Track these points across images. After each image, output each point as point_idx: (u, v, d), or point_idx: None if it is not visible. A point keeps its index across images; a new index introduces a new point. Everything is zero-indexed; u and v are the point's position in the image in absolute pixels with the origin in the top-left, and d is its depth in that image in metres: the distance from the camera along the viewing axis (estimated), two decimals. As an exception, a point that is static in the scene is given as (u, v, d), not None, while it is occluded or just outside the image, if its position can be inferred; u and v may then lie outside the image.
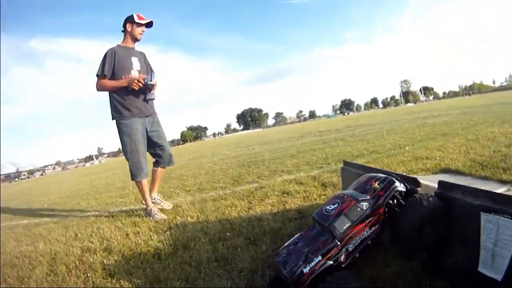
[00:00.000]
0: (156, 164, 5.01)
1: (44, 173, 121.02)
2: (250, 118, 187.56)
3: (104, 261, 3.12)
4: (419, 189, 2.02)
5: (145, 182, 4.74)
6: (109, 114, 4.67)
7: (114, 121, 4.58)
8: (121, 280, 2.59)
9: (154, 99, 4.70)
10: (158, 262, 2.86)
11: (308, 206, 3.70)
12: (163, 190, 6.72)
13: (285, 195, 4.47)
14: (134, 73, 4.53)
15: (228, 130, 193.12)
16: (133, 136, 4.51)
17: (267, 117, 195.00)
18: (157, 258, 2.97)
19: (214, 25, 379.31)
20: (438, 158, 5.19)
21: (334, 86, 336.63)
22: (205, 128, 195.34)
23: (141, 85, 4.34)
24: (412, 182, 2.08)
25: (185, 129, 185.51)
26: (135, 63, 4.61)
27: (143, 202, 4.82)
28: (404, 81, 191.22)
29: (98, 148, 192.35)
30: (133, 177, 4.66)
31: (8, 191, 24.73)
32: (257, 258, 2.52)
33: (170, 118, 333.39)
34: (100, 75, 4.35)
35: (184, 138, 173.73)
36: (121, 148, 4.72)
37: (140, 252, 3.17)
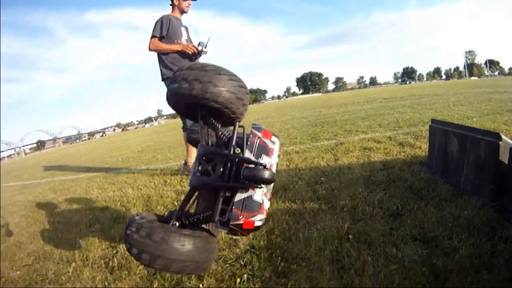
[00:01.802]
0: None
1: (104, 134, 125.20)
2: (310, 82, 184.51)
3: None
4: (500, 142, 2.44)
5: None
6: None
7: (163, 82, 5.03)
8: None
9: None
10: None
11: (391, 160, 4.16)
12: None
13: (366, 150, 4.93)
14: (183, 41, 4.98)
15: (287, 93, 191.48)
16: None
17: (327, 81, 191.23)
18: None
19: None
20: (504, 131, 5.26)
21: (395, 53, 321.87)
22: (265, 91, 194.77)
23: (196, 50, 4.78)
24: (495, 136, 2.49)
25: None
26: (184, 32, 5.06)
27: (188, 157, 5.32)
28: (469, 51, 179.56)
29: (158, 110, 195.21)
30: (187, 130, 4.91)
31: (73, 151, 26.51)
32: (355, 197, 3.03)
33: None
34: (156, 36, 4.77)
35: None
36: None
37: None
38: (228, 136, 1.61)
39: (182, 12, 5.12)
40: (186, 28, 5.21)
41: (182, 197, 3.97)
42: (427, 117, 7.98)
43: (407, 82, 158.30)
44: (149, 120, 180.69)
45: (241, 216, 1.42)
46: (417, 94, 20.79)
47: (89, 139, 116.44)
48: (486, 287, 1.61)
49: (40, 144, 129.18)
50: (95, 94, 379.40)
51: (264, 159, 1.47)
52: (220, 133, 1.63)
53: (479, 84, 30.21)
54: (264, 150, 1.50)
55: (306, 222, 2.67)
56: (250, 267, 2.14)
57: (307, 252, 2.18)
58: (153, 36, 4.80)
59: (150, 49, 4.89)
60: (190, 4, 5.10)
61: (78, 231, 3.55)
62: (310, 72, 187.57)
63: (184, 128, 5.09)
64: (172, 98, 1.60)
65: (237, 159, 1.48)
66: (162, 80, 5.02)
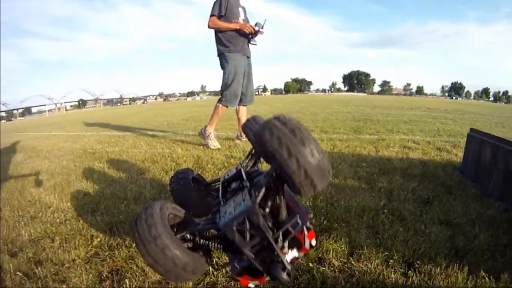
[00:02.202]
0: (239, 101, 5.69)
1: (145, 102, 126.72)
2: (356, 81, 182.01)
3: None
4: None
5: (224, 111, 5.63)
6: (214, 57, 5.56)
7: (218, 57, 5.51)
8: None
9: (256, 44, 5.53)
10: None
11: (428, 160, 4.55)
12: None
13: (406, 148, 5.33)
14: (240, 20, 5.37)
15: (333, 88, 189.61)
16: (238, 68, 5.37)
17: (374, 83, 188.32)
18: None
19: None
20: None
21: (446, 65, 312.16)
22: (310, 82, 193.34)
23: (252, 30, 5.22)
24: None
25: (290, 80, 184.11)
26: (241, 13, 5.45)
27: (209, 125, 5.68)
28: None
29: (202, 86, 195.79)
30: (227, 102, 5.46)
31: (115, 112, 27.23)
32: (392, 183, 3.45)
33: (277, 66, 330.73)
34: (216, 15, 5.19)
35: (287, 89, 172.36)
36: (223, 78, 5.45)
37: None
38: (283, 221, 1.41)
39: None
40: (244, 9, 5.58)
41: (232, 161, 4.44)
42: (467, 131, 8.22)
43: (454, 97, 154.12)
44: (191, 94, 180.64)
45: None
46: (461, 109, 20.60)
47: (130, 104, 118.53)
48: (499, 267, 1.95)
49: (82, 103, 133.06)
50: (141, 62, 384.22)
51: (293, 253, 1.40)
52: (280, 207, 1.42)
53: None
54: (299, 245, 1.41)
55: (347, 194, 3.10)
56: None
57: (347, 217, 2.59)
58: (212, 15, 5.24)
59: (209, 27, 5.32)
60: None
61: (129, 177, 3.85)
62: (358, 71, 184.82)
63: (220, 100, 5.56)
64: (256, 139, 1.30)
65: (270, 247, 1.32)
66: (218, 55, 5.50)
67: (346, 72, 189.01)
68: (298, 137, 1.14)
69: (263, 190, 1.35)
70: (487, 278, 1.82)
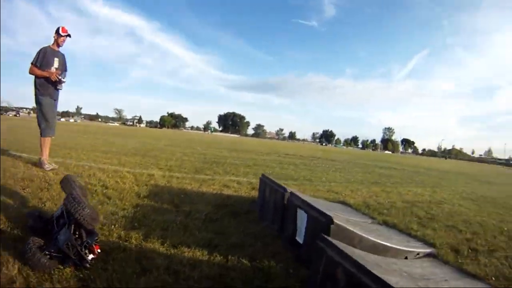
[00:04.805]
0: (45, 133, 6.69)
1: (18, 115, 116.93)
2: (231, 122, 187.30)
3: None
4: (285, 192, 4.15)
5: (49, 140, 6.69)
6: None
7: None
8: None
9: (61, 89, 6.73)
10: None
11: (235, 195, 5.91)
12: (141, 163, 8.89)
13: (224, 186, 6.61)
14: (53, 69, 6.50)
15: (206, 127, 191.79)
16: (50, 106, 6.59)
17: (248, 125, 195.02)
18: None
19: (217, 20, 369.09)
20: (344, 194, 7.41)
21: (319, 114, 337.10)
22: (185, 119, 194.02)
23: (57, 79, 6.39)
24: (284, 189, 4.22)
25: (166, 114, 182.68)
26: (56, 62, 6.58)
27: (41, 155, 6.48)
28: (388, 128, 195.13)
29: (77, 107, 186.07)
30: (45, 134, 6.53)
31: None
32: (192, 208, 4.57)
33: (155, 97, 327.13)
34: (33, 63, 6.29)
35: (162, 123, 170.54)
36: (39, 115, 6.55)
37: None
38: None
39: (58, 45, 6.70)
40: (62, 56, 6.81)
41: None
42: (298, 176, 10.04)
43: (324, 144, 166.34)
44: (66, 114, 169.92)
45: None
46: (319, 156, 23.36)
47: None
48: (242, 254, 3.16)
49: None
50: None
51: (91, 256, 2.66)
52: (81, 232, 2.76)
53: (383, 158, 34.36)
54: (93, 252, 2.68)
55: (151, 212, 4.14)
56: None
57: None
58: (31, 63, 6.32)
59: (29, 73, 6.36)
60: (64, 40, 6.72)
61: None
62: (233, 113, 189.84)
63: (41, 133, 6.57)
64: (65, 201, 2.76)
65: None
66: (35, 97, 6.50)
67: (222, 112, 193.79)
68: (77, 201, 2.65)
69: (72, 226, 2.67)
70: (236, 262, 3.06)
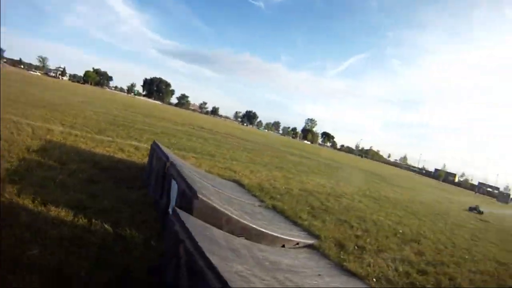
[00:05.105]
0: None
1: None
2: (156, 88, 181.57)
3: None
4: (167, 162, 4.49)
5: None
6: None
7: None
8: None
9: None
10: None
11: (129, 161, 6.24)
12: (46, 116, 8.92)
13: (120, 150, 6.94)
14: None
15: (130, 90, 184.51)
16: None
17: (173, 94, 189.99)
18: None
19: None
20: (241, 174, 7.83)
21: (246, 95, 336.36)
22: (110, 78, 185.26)
23: None
24: (167, 158, 4.59)
25: (91, 70, 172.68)
26: None
27: None
28: (311, 119, 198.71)
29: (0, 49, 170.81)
30: None
31: None
32: (82, 167, 4.87)
33: (83, 49, 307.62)
34: None
35: (86, 79, 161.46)
36: None
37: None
38: None
39: None
40: None
41: None
42: (200, 149, 10.60)
43: (245, 124, 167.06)
44: None
45: None
46: (234, 134, 24.49)
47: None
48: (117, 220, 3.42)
49: None
50: None
51: None
52: None
53: (299, 147, 36.39)
54: None
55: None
56: None
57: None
58: None
59: None
60: None
61: None
62: (160, 78, 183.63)
63: None
64: None
65: None
66: None
67: (148, 76, 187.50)
68: None
69: None
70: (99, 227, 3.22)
